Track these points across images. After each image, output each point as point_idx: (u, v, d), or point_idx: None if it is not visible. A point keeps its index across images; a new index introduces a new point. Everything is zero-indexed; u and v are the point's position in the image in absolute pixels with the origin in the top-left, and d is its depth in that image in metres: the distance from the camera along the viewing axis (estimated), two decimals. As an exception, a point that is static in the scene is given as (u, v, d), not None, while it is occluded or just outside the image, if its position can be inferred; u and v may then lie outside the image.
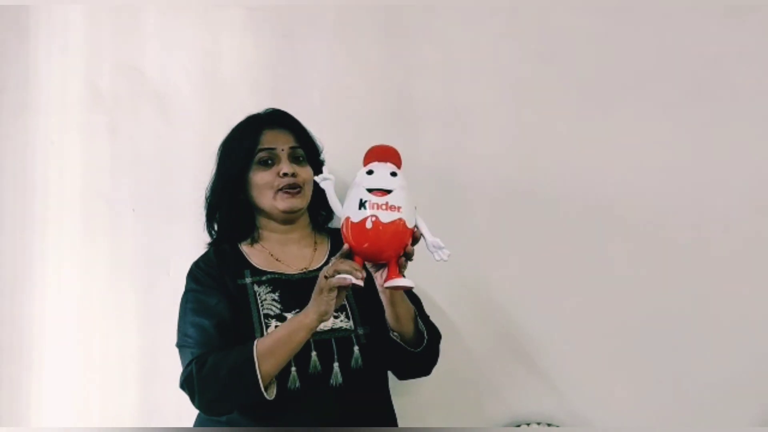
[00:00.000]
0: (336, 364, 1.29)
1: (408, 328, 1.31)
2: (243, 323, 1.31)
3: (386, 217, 1.14)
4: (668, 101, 1.57)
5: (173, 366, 1.36)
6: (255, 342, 1.23)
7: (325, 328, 1.30)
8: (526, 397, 1.64)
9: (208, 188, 1.47)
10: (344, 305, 1.35)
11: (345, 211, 1.19)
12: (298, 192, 1.40)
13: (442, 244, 1.18)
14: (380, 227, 1.13)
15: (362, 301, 1.36)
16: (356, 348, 1.31)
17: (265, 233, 1.45)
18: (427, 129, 1.71)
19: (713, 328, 1.54)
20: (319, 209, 1.49)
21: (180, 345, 1.34)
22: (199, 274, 1.39)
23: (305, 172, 1.42)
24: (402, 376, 1.43)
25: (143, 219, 1.91)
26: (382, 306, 1.30)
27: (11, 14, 2.13)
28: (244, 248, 1.43)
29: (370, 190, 1.16)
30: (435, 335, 1.38)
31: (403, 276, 1.18)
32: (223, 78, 1.87)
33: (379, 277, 1.22)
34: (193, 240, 1.56)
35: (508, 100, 1.67)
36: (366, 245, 1.15)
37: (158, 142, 1.91)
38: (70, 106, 2.04)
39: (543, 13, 1.64)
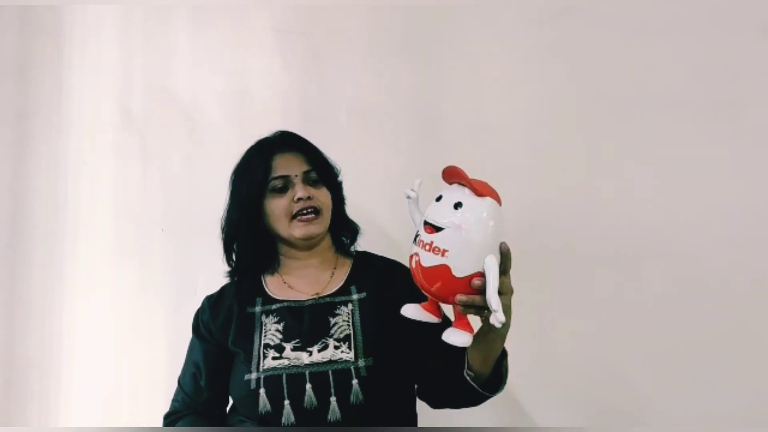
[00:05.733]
0: (333, 399, 1.20)
1: (488, 369, 1.16)
2: (244, 350, 1.29)
3: (427, 259, 0.96)
4: (705, 120, 1.53)
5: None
6: None
7: (324, 359, 1.23)
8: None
9: (224, 218, 1.42)
10: (349, 334, 1.26)
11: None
12: (316, 217, 1.32)
13: (496, 307, 0.94)
14: (419, 270, 0.97)
15: (370, 329, 1.27)
16: (355, 381, 1.20)
17: (285, 260, 1.40)
18: (457, 149, 1.69)
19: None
20: (341, 232, 1.43)
21: (178, 382, 1.42)
22: (197, 321, 1.39)
23: (322, 194, 1.35)
24: (440, 406, 1.32)
25: (172, 238, 1.93)
26: (390, 336, 1.22)
27: (45, 39, 2.19)
28: (266, 276, 1.40)
29: (425, 223, 0.98)
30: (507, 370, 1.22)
31: (468, 326, 1.00)
32: (252, 99, 1.89)
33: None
34: (220, 259, 1.57)
35: (538, 119, 1.65)
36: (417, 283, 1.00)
37: (188, 163, 1.93)
38: (102, 127, 2.07)
39: (573, 30, 1.63)
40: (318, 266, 1.38)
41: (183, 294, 1.88)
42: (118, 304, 1.98)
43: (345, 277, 1.36)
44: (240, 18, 1.93)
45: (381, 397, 1.23)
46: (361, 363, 1.23)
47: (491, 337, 1.09)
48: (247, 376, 1.25)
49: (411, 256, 0.99)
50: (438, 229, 0.95)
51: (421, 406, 1.37)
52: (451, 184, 1.01)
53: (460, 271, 0.95)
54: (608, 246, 1.59)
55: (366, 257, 1.40)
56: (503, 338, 1.13)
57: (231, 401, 1.35)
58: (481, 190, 0.99)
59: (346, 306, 1.31)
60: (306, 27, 1.85)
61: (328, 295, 1.33)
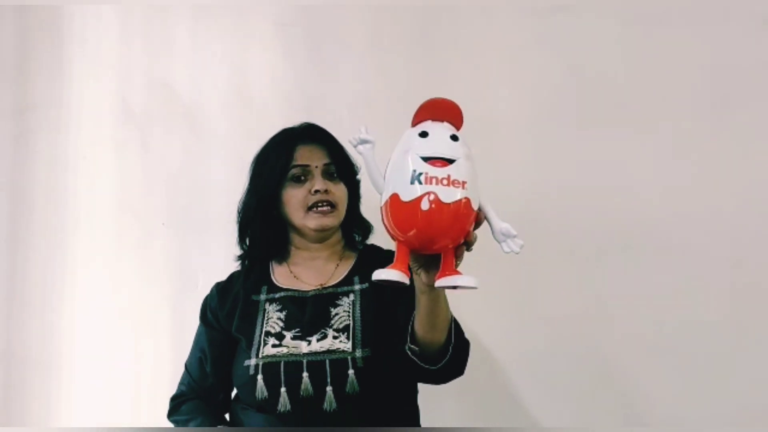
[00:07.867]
0: (329, 388, 1.20)
1: (440, 337, 1.11)
2: (246, 337, 1.30)
3: (448, 195, 0.87)
4: (704, 114, 1.54)
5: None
6: None
7: (322, 349, 1.23)
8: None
9: (241, 203, 1.43)
10: (348, 324, 1.26)
11: (390, 184, 0.91)
12: (331, 210, 1.34)
13: (514, 232, 0.91)
14: (440, 209, 0.86)
15: (369, 320, 1.27)
16: (351, 372, 1.21)
17: (295, 250, 1.40)
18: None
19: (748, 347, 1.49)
20: (353, 228, 1.43)
21: (185, 366, 1.43)
22: (205, 308, 1.41)
23: (339, 189, 1.36)
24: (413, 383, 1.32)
25: (173, 233, 1.93)
26: (388, 325, 1.21)
27: (45, 33, 2.18)
28: (274, 264, 1.41)
29: (425, 159, 0.88)
30: (462, 346, 1.17)
31: (458, 270, 0.92)
32: (252, 93, 1.89)
33: (424, 275, 0.99)
34: (222, 253, 1.57)
35: (539, 113, 1.66)
36: (414, 231, 0.89)
37: (188, 157, 1.94)
38: (102, 121, 2.07)
39: (573, 24, 1.63)
40: (326, 258, 1.39)
41: (184, 288, 1.88)
42: (118, 299, 1.98)
43: (349, 268, 1.37)
44: (241, 12, 1.92)
45: (377, 388, 1.23)
46: (358, 353, 1.23)
47: (435, 294, 1.03)
48: (246, 362, 1.26)
49: (418, 199, 0.87)
50: (450, 161, 0.88)
51: (423, 404, 1.36)
52: (416, 124, 0.95)
53: (475, 203, 0.90)
54: (608, 240, 1.59)
55: (373, 250, 1.40)
56: (445, 297, 1.07)
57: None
58: (460, 125, 0.96)
59: (348, 296, 1.31)
60: (307, 21, 1.85)
61: (331, 286, 1.34)
